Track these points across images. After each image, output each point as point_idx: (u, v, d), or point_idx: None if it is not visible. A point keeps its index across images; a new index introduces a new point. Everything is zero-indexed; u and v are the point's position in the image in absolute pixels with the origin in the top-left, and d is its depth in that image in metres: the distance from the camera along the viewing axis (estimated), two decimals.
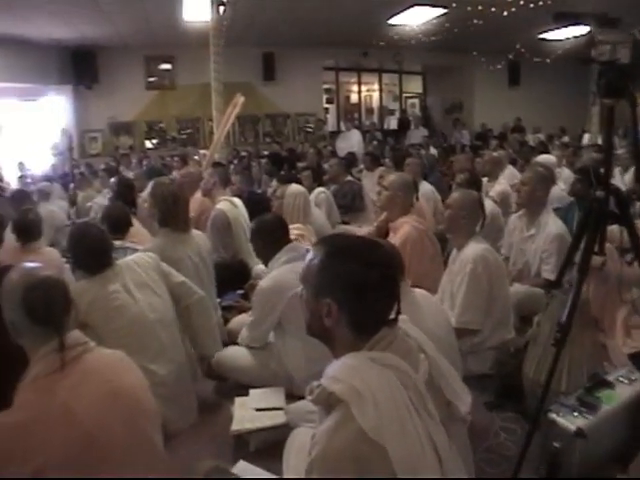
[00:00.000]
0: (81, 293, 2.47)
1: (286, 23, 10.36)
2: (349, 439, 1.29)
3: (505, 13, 9.35)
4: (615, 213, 2.16)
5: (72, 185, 7.07)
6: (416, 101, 16.62)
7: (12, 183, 9.42)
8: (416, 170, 6.02)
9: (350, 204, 6.25)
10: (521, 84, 14.75)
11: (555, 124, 13.02)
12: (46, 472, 1.57)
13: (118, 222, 3.72)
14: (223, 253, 4.37)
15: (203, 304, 3.05)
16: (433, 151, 10.44)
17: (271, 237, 3.12)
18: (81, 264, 2.75)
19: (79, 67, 11.57)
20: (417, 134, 12.72)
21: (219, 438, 2.73)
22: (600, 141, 9.40)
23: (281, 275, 2.95)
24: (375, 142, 11.08)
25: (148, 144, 12.66)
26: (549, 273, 3.75)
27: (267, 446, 2.55)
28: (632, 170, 6.00)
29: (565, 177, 6.56)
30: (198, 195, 4.95)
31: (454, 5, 9.18)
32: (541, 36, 11.48)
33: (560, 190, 5.54)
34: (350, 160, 7.80)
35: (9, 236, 3.89)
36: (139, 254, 3.03)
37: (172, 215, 3.49)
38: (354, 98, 15.86)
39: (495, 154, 6.73)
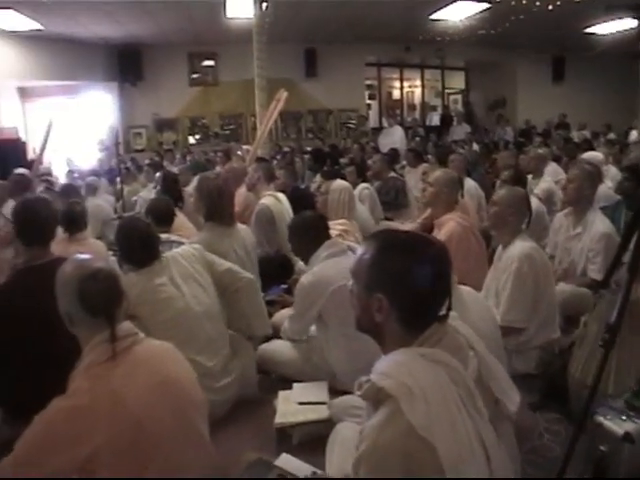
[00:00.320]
0: (129, 286, 2.49)
1: (328, 19, 10.36)
2: (398, 434, 1.29)
3: (550, 7, 9.17)
4: None
5: (118, 180, 7.21)
6: (458, 97, 16.42)
7: (60, 178, 9.67)
8: (460, 166, 5.95)
9: (393, 200, 6.21)
10: (566, 79, 14.44)
11: (601, 120, 12.67)
12: (98, 456, 1.62)
13: (162, 215, 3.78)
14: (267, 248, 4.39)
15: (252, 285, 3.08)
16: (476, 147, 10.31)
17: (309, 234, 3.12)
18: (129, 257, 2.81)
19: (124, 65, 11.84)
20: (460, 130, 12.59)
21: (262, 431, 2.74)
22: None
23: (322, 271, 2.94)
24: (417, 138, 10.97)
25: (191, 140, 12.84)
26: (596, 273, 3.67)
27: (310, 440, 2.56)
28: None
29: (612, 175, 6.39)
30: (242, 190, 4.97)
31: (498, 0, 9.05)
32: (587, 30, 11.22)
33: (607, 188, 5.39)
34: (392, 156, 7.75)
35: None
36: (184, 247, 3.07)
37: (217, 209, 3.53)
38: (396, 94, 15.75)
39: (540, 151, 6.61)
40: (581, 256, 3.84)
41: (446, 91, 16.21)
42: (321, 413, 2.64)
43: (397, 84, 15.63)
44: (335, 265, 2.87)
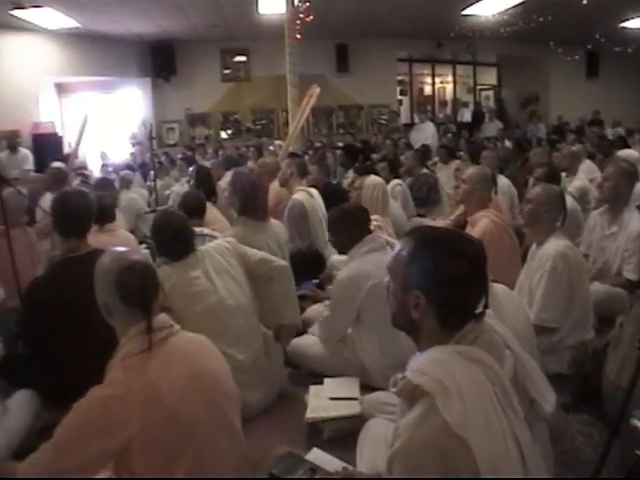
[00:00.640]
0: (164, 278, 2.52)
1: (360, 14, 10.32)
2: (433, 432, 1.29)
3: (585, 1, 8.99)
4: None
5: (152, 174, 7.29)
6: (490, 93, 16.23)
7: (95, 171, 9.83)
8: (493, 163, 5.90)
9: (425, 197, 6.19)
10: (600, 76, 14.16)
11: (635, 118, 12.44)
12: (133, 445, 1.65)
13: (194, 208, 3.83)
14: (299, 243, 4.41)
15: (285, 272, 3.08)
16: (508, 144, 10.19)
17: (351, 227, 3.07)
18: (164, 250, 2.84)
19: (158, 60, 11.95)
20: (492, 127, 12.44)
21: (293, 425, 2.76)
22: None
23: (361, 265, 2.91)
24: (449, 135, 10.89)
25: (223, 135, 12.92)
26: (631, 273, 3.62)
27: (340, 435, 2.56)
28: None
29: None
30: (275, 185, 4.99)
31: None
32: (623, 25, 10.99)
33: None
34: (424, 152, 7.70)
35: None
36: (218, 241, 3.10)
37: (251, 204, 3.55)
38: (427, 90, 15.64)
39: (574, 148, 6.50)
40: (616, 256, 3.78)
41: (478, 87, 16.05)
42: (352, 409, 2.64)
43: (429, 80, 15.52)
44: (374, 260, 2.85)
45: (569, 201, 4.35)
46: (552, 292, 3.01)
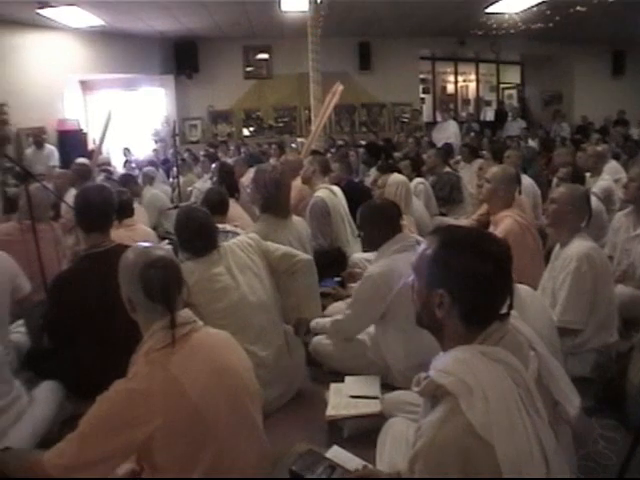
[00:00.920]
0: (187, 274, 2.54)
1: (382, 12, 10.27)
2: (456, 433, 1.29)
3: None
4: None
5: (175, 170, 7.35)
6: (513, 92, 16.07)
7: (118, 167, 9.93)
8: (517, 163, 5.85)
9: (448, 196, 6.16)
10: (626, 74, 13.94)
11: None
12: (156, 438, 1.66)
13: (216, 205, 3.83)
14: (321, 240, 4.40)
15: (309, 266, 3.07)
16: (531, 143, 10.09)
17: (384, 222, 3.02)
18: (187, 246, 2.85)
19: (181, 58, 12.02)
20: (515, 126, 12.34)
21: (313, 422, 2.76)
22: None
23: (393, 264, 2.86)
24: (472, 133, 10.82)
25: (245, 132, 12.95)
26: None
27: (360, 433, 2.56)
28: None
29: None
30: (297, 182, 4.97)
31: None
32: None
33: None
34: (446, 151, 7.67)
35: None
36: (241, 237, 3.10)
37: (274, 201, 3.56)
38: (450, 88, 15.54)
39: (599, 148, 6.42)
40: None
41: (501, 86, 15.90)
42: (373, 407, 2.64)
43: (451, 78, 15.42)
44: (405, 259, 2.79)
45: (593, 202, 4.30)
46: (576, 293, 2.98)
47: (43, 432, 2.47)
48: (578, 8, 9.46)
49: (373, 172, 6.50)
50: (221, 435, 1.76)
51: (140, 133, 12.40)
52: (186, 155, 9.41)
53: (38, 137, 8.93)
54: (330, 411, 2.68)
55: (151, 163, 8.84)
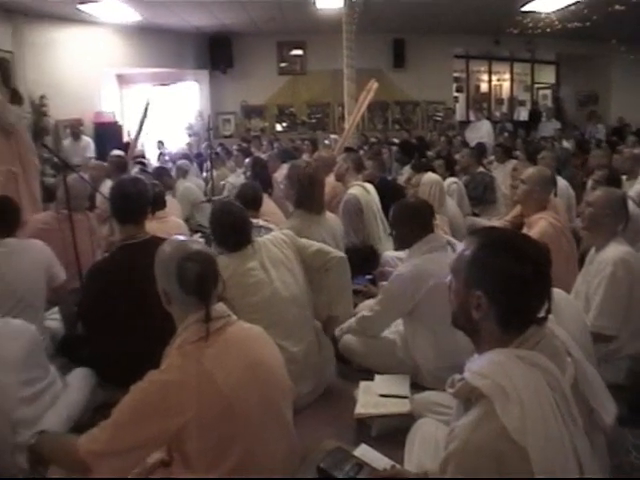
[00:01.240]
0: (221, 268, 2.56)
1: (418, 9, 10.20)
2: (490, 436, 1.28)
3: None
4: None
5: (208, 164, 7.39)
6: (548, 92, 15.78)
7: (152, 160, 10.05)
8: (551, 164, 5.75)
9: (481, 196, 6.10)
10: None
11: None
12: (188, 430, 1.68)
13: (250, 200, 3.85)
14: (353, 238, 4.39)
15: (342, 264, 3.06)
16: (566, 145, 9.93)
17: (417, 221, 3.01)
18: (222, 240, 2.87)
19: (215, 53, 12.11)
20: (549, 126, 12.15)
21: (341, 420, 2.76)
22: None
23: (423, 264, 2.87)
24: (506, 133, 10.69)
25: (278, 127, 13.01)
26: None
27: (389, 433, 2.55)
28: None
29: None
30: (330, 179, 4.97)
31: None
32: None
33: None
34: (479, 151, 7.59)
35: None
36: (275, 233, 3.11)
37: (308, 197, 3.57)
38: (484, 87, 15.34)
39: (636, 151, 6.29)
40: None
41: (535, 85, 15.64)
42: (402, 407, 2.62)
43: (485, 77, 15.23)
44: (436, 260, 2.82)
45: (630, 206, 4.22)
46: (611, 299, 2.92)
47: (76, 417, 2.51)
48: (617, 7, 9.26)
49: (406, 170, 6.47)
50: (252, 430, 1.77)
51: (174, 126, 12.53)
52: (219, 149, 9.46)
53: (75, 129, 9.09)
54: (359, 409, 2.67)
55: (184, 156, 8.91)
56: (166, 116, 12.48)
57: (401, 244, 3.18)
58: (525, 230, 3.72)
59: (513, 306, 1.41)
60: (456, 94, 14.42)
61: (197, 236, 4.33)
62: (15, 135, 5.17)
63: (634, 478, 2.27)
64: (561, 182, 5.70)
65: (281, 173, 5.85)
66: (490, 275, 1.42)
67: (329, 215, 3.79)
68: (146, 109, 7.07)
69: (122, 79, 12.24)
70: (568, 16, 10.30)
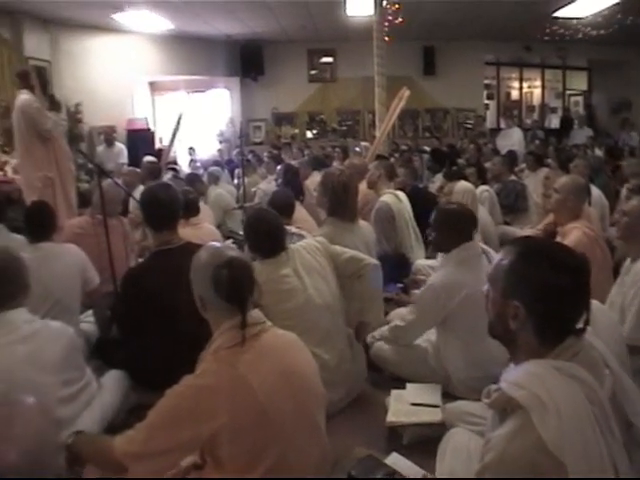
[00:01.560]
0: (256, 274, 2.57)
1: (448, 16, 10.19)
2: (527, 448, 1.26)
3: None
4: None
5: (239, 171, 7.44)
6: (580, 99, 15.56)
7: (183, 166, 10.17)
8: (584, 172, 5.68)
9: (513, 204, 6.03)
10: None
11: None
12: (220, 435, 1.68)
13: (283, 207, 3.85)
14: (385, 245, 4.38)
15: (374, 271, 3.06)
16: (598, 152, 9.78)
17: (458, 227, 2.98)
18: (256, 247, 2.88)
19: (246, 60, 12.22)
20: (581, 134, 11.98)
21: (372, 428, 2.75)
22: None
23: (456, 274, 2.86)
24: (537, 141, 10.57)
25: (309, 134, 13.08)
26: None
27: (419, 441, 2.54)
28: None
29: None
30: (362, 186, 4.93)
31: None
32: None
33: None
34: (510, 159, 7.52)
35: None
36: (308, 240, 3.12)
37: (341, 205, 3.57)
38: (515, 94, 15.20)
39: None
40: None
41: (567, 92, 15.44)
42: (434, 416, 2.61)
43: (516, 84, 15.08)
44: (470, 269, 2.82)
45: None
46: None
47: (110, 419, 2.55)
48: None
49: (438, 178, 6.45)
50: (285, 435, 1.77)
51: (205, 133, 12.66)
52: (250, 156, 9.52)
53: (109, 135, 9.24)
54: (390, 417, 2.66)
55: (216, 163, 8.99)
56: (197, 123, 12.61)
57: (437, 248, 3.18)
58: (558, 239, 3.68)
59: (551, 317, 1.40)
60: (487, 101, 14.33)
61: (229, 242, 4.35)
62: (52, 141, 5.29)
63: None
64: (594, 191, 5.61)
65: (312, 180, 5.89)
66: (528, 285, 1.40)
67: (362, 223, 3.78)
68: (179, 120, 7.16)
69: (154, 86, 12.44)
70: (601, 21, 10.17)
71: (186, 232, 3.66)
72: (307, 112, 13.00)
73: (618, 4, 9.06)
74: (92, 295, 3.54)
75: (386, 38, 8.19)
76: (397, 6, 8.20)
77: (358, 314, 3.12)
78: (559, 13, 9.85)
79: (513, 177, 6.54)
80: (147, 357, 2.79)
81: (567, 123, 13.48)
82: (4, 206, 4.35)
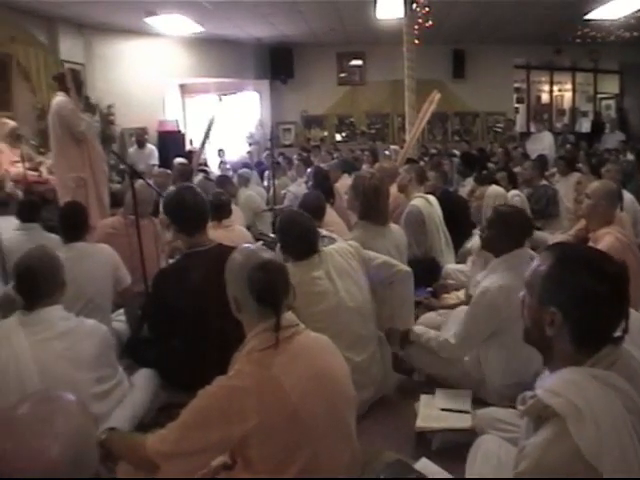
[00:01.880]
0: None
1: (478, 20, 10.14)
2: (563, 457, 1.24)
3: None
4: None
5: (269, 173, 7.45)
6: (612, 102, 15.32)
7: (213, 168, 10.24)
8: (616, 177, 5.59)
9: (544, 209, 5.96)
10: None
11: None
12: (253, 435, 1.69)
13: (313, 209, 3.85)
14: (415, 249, 4.37)
15: (407, 278, 3.06)
16: (630, 157, 9.62)
17: (514, 234, 2.92)
18: (289, 249, 2.89)
19: (276, 63, 12.30)
20: (612, 138, 11.78)
21: (401, 432, 2.75)
22: None
23: (511, 278, 2.75)
24: (568, 145, 10.44)
25: (338, 137, 13.13)
26: None
27: (449, 447, 2.53)
28: None
29: None
30: (393, 190, 4.92)
31: None
32: None
33: None
34: (541, 163, 7.43)
35: None
36: (340, 243, 3.12)
37: (373, 208, 3.56)
38: (545, 98, 15.06)
39: None
40: None
41: (598, 96, 15.23)
42: (463, 422, 2.59)
43: (546, 88, 14.94)
44: (520, 275, 2.75)
45: None
46: None
47: (140, 417, 2.58)
48: None
49: (468, 182, 6.40)
50: (317, 438, 1.78)
51: (234, 135, 12.74)
52: (280, 158, 9.56)
53: (140, 137, 9.36)
54: (420, 422, 2.65)
55: (245, 165, 9.03)
56: (227, 125, 12.70)
57: (488, 247, 3.09)
58: (590, 245, 3.64)
59: (589, 324, 1.38)
60: (516, 105, 14.21)
61: (259, 244, 4.38)
62: (86, 143, 5.37)
63: None
64: (627, 196, 5.53)
65: (342, 183, 5.88)
66: (566, 292, 1.39)
67: (393, 226, 3.77)
68: (210, 124, 7.21)
69: (185, 89, 12.58)
70: (634, 23, 10.01)
71: (218, 234, 3.70)
72: (336, 115, 13.05)
73: None
74: (124, 294, 3.59)
75: (416, 41, 8.17)
76: (427, 9, 8.14)
77: (389, 320, 3.11)
78: (591, 15, 9.70)
79: (544, 182, 6.46)
80: (177, 357, 2.82)
81: (598, 127, 13.34)
82: (39, 206, 4.41)
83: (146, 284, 3.48)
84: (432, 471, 2.17)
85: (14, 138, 6.67)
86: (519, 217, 3.03)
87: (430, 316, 3.49)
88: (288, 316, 1.89)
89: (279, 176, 8.08)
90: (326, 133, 13.02)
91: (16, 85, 8.12)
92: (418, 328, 3.16)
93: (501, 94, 13.03)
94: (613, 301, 1.38)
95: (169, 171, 6.30)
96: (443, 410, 2.71)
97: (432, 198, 4.73)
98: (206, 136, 7.28)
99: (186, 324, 2.80)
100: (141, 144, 9.25)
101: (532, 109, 14.66)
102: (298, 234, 2.85)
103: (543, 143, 10.37)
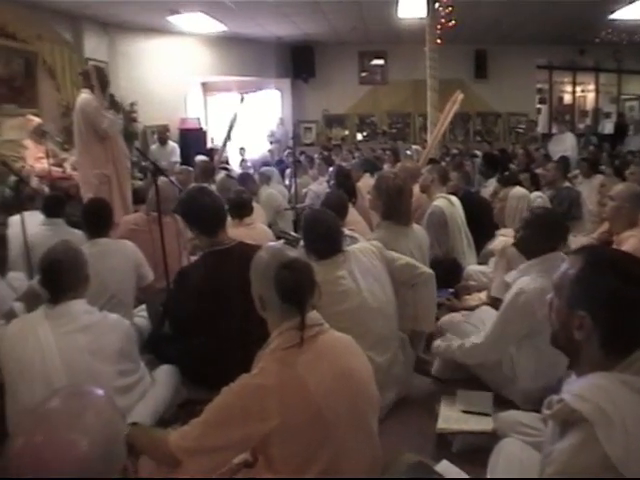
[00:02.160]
0: None
1: (500, 19, 10.08)
2: (591, 463, 1.23)
3: None
4: None
5: (291, 171, 7.46)
6: (636, 104, 15.12)
7: (234, 166, 10.28)
8: None
9: (567, 211, 5.88)
10: None
11: None
12: (275, 433, 1.69)
13: (336, 208, 3.81)
14: (437, 250, 4.33)
15: (430, 280, 3.04)
16: None
17: (550, 236, 2.86)
18: (313, 248, 2.87)
19: (297, 62, 12.37)
20: (636, 140, 11.70)
21: (422, 433, 2.73)
22: None
23: (542, 280, 2.69)
24: (591, 147, 10.33)
25: (359, 136, 13.14)
26: None
27: (470, 450, 2.51)
28: None
29: None
30: (415, 190, 4.88)
31: None
32: None
33: None
34: (563, 165, 7.35)
35: None
36: (364, 243, 3.12)
37: (396, 208, 3.54)
38: (567, 99, 14.93)
39: None
40: None
41: (622, 97, 15.05)
42: (485, 424, 2.57)
43: (569, 88, 14.82)
44: (550, 279, 2.73)
45: None
46: None
47: (161, 412, 2.58)
48: None
49: (491, 183, 6.35)
50: (339, 437, 1.78)
51: (255, 133, 12.78)
52: (302, 157, 9.57)
53: (162, 134, 9.37)
54: (441, 424, 2.64)
55: (265, 163, 9.05)
56: (248, 123, 12.74)
57: (521, 247, 3.05)
58: (614, 247, 3.59)
59: (618, 328, 1.36)
60: (539, 106, 14.10)
61: (281, 242, 4.38)
62: (110, 140, 5.42)
63: None
64: None
65: (364, 182, 5.87)
66: (595, 295, 1.37)
67: (416, 227, 3.75)
68: (233, 121, 7.23)
69: (207, 87, 12.66)
70: None
71: (239, 232, 3.71)
72: (357, 114, 13.06)
73: None
74: (146, 291, 3.62)
75: (438, 40, 8.13)
76: (450, 9, 8.10)
77: (411, 321, 3.10)
78: (616, 15, 9.60)
79: (567, 184, 6.39)
80: (197, 354, 2.84)
81: (621, 129, 13.20)
82: (64, 201, 4.46)
83: (168, 281, 3.49)
84: (453, 473, 2.16)
85: (39, 135, 6.75)
86: (559, 221, 3.01)
87: (450, 318, 3.47)
88: (313, 315, 1.89)
89: (300, 175, 8.07)
90: (347, 132, 13.04)
91: (42, 82, 8.23)
92: (438, 344, 3.14)
93: (523, 95, 12.96)
94: None
95: (191, 168, 6.32)
96: (464, 412, 2.69)
97: (454, 199, 4.69)
98: (229, 133, 7.30)
99: (206, 322, 2.82)
100: (163, 141, 9.29)
101: (554, 110, 14.54)
102: (323, 232, 2.84)
103: (565, 144, 10.27)
